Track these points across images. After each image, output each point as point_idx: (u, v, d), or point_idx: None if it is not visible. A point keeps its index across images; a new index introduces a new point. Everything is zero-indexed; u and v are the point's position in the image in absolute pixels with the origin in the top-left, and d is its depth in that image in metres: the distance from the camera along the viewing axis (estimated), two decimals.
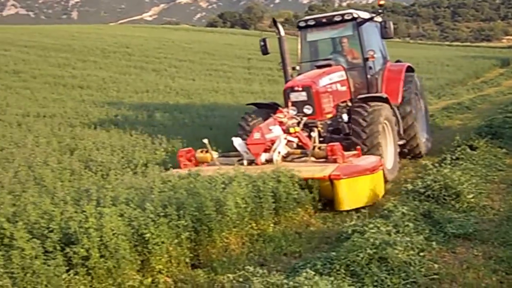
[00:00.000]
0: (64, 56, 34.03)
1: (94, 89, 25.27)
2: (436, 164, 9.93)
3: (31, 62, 31.43)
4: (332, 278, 5.46)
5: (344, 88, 12.34)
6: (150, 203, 6.86)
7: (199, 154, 10.67)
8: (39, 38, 42.17)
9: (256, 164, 9.98)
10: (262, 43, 13.17)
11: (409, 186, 8.98)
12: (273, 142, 10.19)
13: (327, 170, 9.10)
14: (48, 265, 5.66)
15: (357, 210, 8.57)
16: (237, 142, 10.50)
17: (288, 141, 10.51)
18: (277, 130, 10.47)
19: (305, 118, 11.34)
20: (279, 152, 10.10)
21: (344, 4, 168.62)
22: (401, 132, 12.46)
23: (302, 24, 13.41)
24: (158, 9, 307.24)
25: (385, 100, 11.69)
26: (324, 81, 11.68)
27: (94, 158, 12.56)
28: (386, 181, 10.15)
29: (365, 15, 13.24)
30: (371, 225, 6.89)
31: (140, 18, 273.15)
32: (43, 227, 6.30)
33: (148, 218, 6.56)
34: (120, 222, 6.36)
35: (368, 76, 12.65)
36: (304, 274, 5.39)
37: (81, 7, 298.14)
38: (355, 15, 12.75)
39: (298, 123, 11.14)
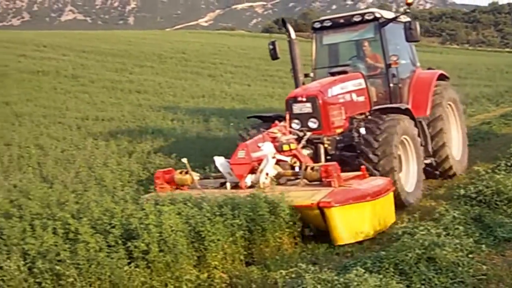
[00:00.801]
0: (121, 61, 34.87)
1: (151, 93, 25.84)
2: (490, 170, 9.92)
3: (89, 67, 32.31)
4: (381, 276, 5.65)
5: (361, 99, 10.94)
6: (206, 203, 7.17)
7: (178, 175, 9.24)
8: (96, 43, 43.23)
9: (240, 187, 8.59)
10: (271, 47, 11.74)
11: (461, 191, 8.99)
12: (260, 161, 8.78)
13: (316, 196, 7.71)
14: (111, 258, 6.03)
15: (408, 212, 8.70)
16: (219, 161, 9.13)
17: (280, 160, 9.08)
18: (267, 148, 9.05)
19: (308, 133, 9.94)
20: (266, 174, 8.65)
21: (401, 9, 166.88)
22: (430, 150, 11.24)
23: (317, 25, 12.01)
24: (214, 15, 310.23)
25: (405, 112, 10.36)
26: (334, 91, 10.34)
27: (152, 161, 13.03)
28: (405, 206, 9.32)
29: (389, 14, 11.81)
30: (421, 228, 7.05)
31: (196, 23, 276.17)
32: (106, 223, 6.72)
33: (204, 216, 6.88)
34: (178, 220, 6.71)
35: (391, 85, 11.25)
36: (355, 271, 5.60)
37: (138, 13, 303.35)
38: (377, 15, 11.33)
39: (299, 139, 9.78)
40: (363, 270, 5.64)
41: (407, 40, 11.30)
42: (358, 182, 8.43)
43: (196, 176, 9.24)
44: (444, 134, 11.41)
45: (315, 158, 9.70)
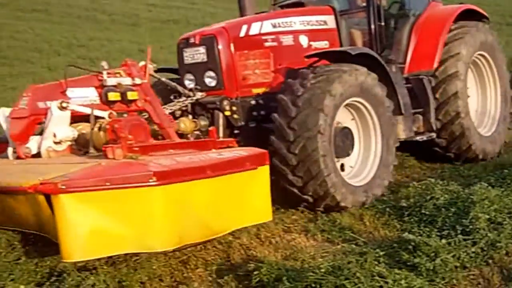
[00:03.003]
0: None
1: None
2: None
3: (218, 15, 33.24)
4: (502, 189, 6.37)
5: (322, 44, 7.87)
6: None
7: None
8: None
9: (19, 157, 5.75)
10: None
11: None
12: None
13: (52, 173, 4.53)
14: None
15: None
16: (3, 114, 6.14)
17: (96, 116, 5.88)
18: (82, 94, 6.07)
19: (200, 95, 7.11)
20: (54, 135, 5.76)
21: None
22: (432, 122, 8.41)
23: None
24: None
25: (366, 59, 7.16)
26: (254, 29, 7.31)
27: None
28: (344, 207, 6.74)
29: None
30: None
31: None
32: None
33: None
34: None
35: (373, 26, 8.10)
36: (478, 185, 6.34)
37: None
38: None
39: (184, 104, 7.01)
40: (486, 184, 6.37)
41: None
42: (177, 155, 5.17)
43: None
44: (460, 100, 8.44)
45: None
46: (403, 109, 7.60)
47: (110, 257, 5.12)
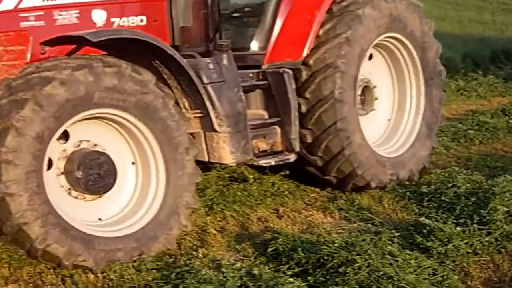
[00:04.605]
0: None
1: None
2: None
3: None
4: None
5: (135, 21, 5.54)
6: None
7: None
8: None
9: None
10: None
11: None
12: None
13: None
14: None
15: None
16: None
17: None
18: None
19: None
20: None
21: None
22: (293, 138, 5.96)
23: None
24: None
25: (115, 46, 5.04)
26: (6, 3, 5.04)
27: None
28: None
29: None
30: None
31: None
32: None
33: None
34: None
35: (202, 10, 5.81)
36: (502, 177, 6.36)
37: None
38: None
39: None
40: (511, 178, 6.36)
41: None
42: None
43: None
44: (340, 103, 6.00)
45: None
46: (215, 123, 5.33)
47: None
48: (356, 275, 4.35)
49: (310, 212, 6.26)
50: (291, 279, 4.36)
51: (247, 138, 5.54)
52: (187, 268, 4.63)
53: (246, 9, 6.42)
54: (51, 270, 4.83)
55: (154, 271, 4.78)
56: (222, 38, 5.78)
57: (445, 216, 5.69)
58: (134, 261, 4.88)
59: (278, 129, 5.94)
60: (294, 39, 6.03)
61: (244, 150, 5.51)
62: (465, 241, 5.14)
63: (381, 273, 4.33)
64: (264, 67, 5.98)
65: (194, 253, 5.19)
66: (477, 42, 17.55)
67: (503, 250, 5.25)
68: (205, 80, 5.30)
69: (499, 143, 9.15)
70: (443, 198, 6.15)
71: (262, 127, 5.89)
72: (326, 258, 4.61)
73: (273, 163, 5.95)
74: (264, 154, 5.88)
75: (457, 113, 10.97)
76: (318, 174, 6.41)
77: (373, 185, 6.42)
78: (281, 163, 6.04)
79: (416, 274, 4.42)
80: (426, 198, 6.32)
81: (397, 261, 4.56)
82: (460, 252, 5.01)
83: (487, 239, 5.28)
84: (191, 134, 5.34)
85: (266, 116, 5.97)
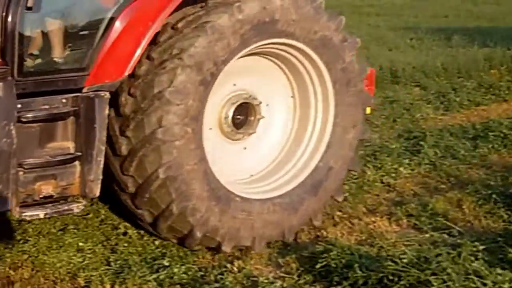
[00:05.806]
0: None
1: (390, 15, 26.01)
2: None
3: None
4: None
5: None
6: None
7: None
8: None
9: None
10: None
11: None
12: None
13: None
14: None
15: None
16: None
17: None
18: None
19: None
20: None
21: None
22: (92, 180, 4.69)
23: None
24: None
25: None
26: None
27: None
28: None
29: None
30: None
31: None
32: None
33: None
34: None
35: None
36: None
37: None
38: None
39: None
40: None
41: None
42: None
43: None
44: (167, 144, 4.58)
45: None
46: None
47: None
48: None
49: (372, 219, 5.61)
50: None
51: (6, 182, 4.30)
52: (216, 285, 4.30)
53: (77, 25, 4.92)
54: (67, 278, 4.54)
55: (177, 286, 4.38)
56: (25, 60, 4.48)
57: None
58: (157, 271, 4.51)
59: (77, 169, 4.72)
60: (119, 57, 4.80)
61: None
62: None
63: None
64: (84, 90, 4.79)
65: (229, 265, 4.70)
66: None
67: None
68: None
69: None
70: None
71: (55, 165, 4.59)
72: (391, 278, 3.98)
73: (42, 216, 4.54)
74: (47, 201, 4.58)
75: None
76: (150, 229, 5.04)
77: (227, 246, 4.84)
78: (55, 215, 4.75)
79: None
80: None
81: (485, 284, 3.81)
82: None
83: None
84: None
85: (71, 151, 4.72)
